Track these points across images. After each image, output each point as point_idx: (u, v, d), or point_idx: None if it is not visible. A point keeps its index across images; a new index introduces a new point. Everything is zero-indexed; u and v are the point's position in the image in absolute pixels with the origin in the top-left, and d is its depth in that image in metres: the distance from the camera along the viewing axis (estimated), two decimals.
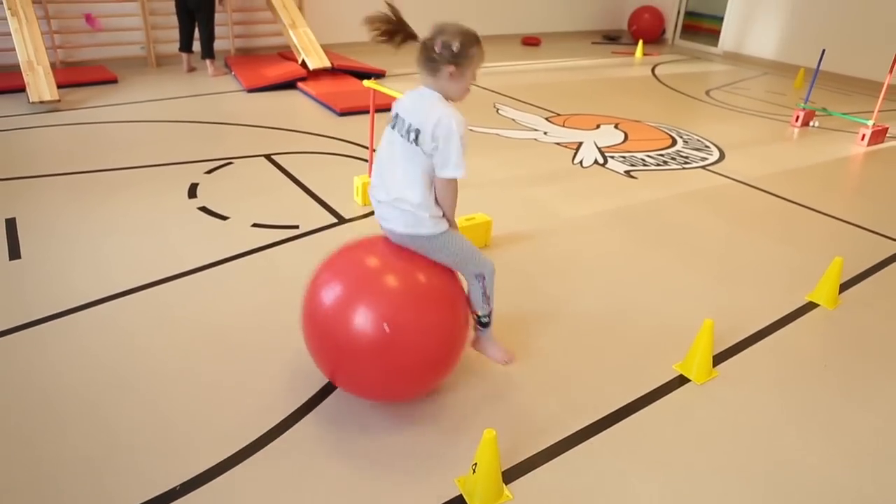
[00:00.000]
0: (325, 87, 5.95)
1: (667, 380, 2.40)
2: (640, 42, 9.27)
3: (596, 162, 4.64)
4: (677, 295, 3.00)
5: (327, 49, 6.89)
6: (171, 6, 6.59)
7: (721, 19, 9.46)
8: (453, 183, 1.93)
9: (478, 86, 6.72)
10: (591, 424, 2.15)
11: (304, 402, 2.18)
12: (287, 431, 2.05)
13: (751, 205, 4.12)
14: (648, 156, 4.84)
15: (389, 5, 1.93)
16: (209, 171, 4.09)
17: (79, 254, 3.06)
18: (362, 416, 2.14)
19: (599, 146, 4.97)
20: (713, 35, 9.69)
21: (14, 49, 5.44)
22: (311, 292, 2.03)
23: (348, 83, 6.17)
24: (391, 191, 1.95)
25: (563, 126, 5.47)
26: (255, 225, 3.41)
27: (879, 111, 5.58)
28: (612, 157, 4.74)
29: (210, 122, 5.14)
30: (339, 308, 1.91)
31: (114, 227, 3.33)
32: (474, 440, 1.84)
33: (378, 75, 6.75)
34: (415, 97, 1.95)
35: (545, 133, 5.24)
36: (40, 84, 5.25)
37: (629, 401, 2.27)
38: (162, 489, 1.81)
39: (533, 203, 3.89)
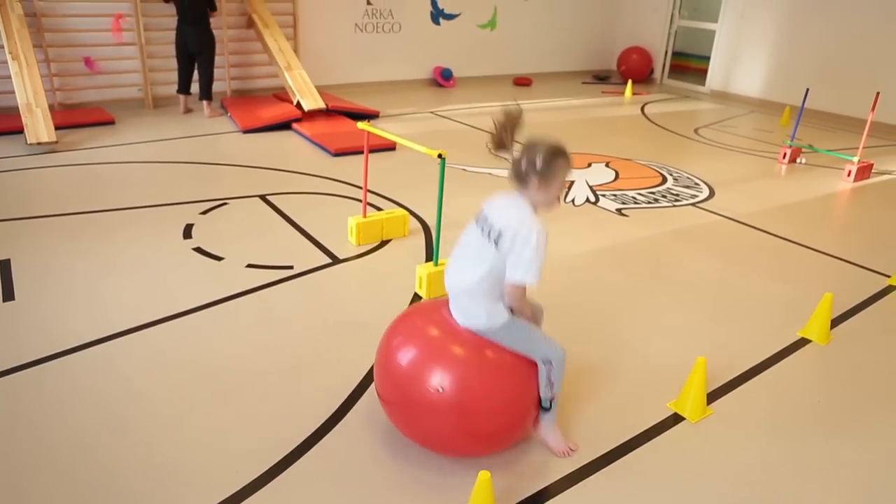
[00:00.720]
0: (320, 128, 6.03)
1: (661, 418, 2.41)
2: (630, 82, 9.46)
3: (588, 200, 4.70)
4: (670, 333, 3.01)
5: (322, 90, 7.01)
6: (168, 49, 6.72)
7: (708, 59, 9.69)
8: (521, 289, 1.98)
9: (470, 125, 6.83)
10: (587, 464, 2.14)
11: (297, 444, 2.17)
12: (281, 474, 2.04)
13: (741, 241, 4.17)
14: (639, 194, 4.91)
15: (503, 123, 2.07)
16: (204, 212, 4.12)
17: (73, 295, 3.07)
18: (358, 457, 2.13)
19: (591, 184, 5.04)
20: (700, 74, 9.90)
21: (14, 91, 5.52)
22: (388, 352, 2.10)
23: (343, 124, 6.26)
24: (458, 282, 2.05)
25: None
26: (249, 265, 3.43)
27: (864, 148, 5.70)
28: (603, 196, 4.80)
29: (206, 163, 5.20)
30: (413, 371, 2.00)
31: (109, 268, 3.34)
32: (469, 481, 1.83)
33: (372, 116, 6.86)
34: (506, 201, 2.05)
35: None
36: (38, 126, 5.31)
37: (624, 440, 2.27)
38: None
39: None
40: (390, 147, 5.48)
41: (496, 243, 1.95)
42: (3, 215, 3.96)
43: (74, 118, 6.09)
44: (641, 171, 5.52)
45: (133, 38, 6.65)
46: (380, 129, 3.61)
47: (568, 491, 2.03)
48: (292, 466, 2.08)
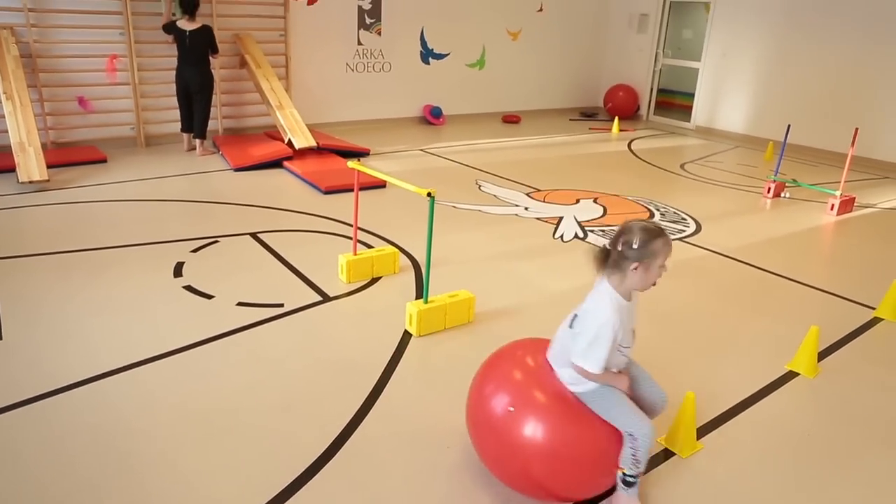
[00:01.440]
0: (311, 166, 6.09)
1: (652, 454, 2.40)
2: (616, 118, 9.64)
3: (576, 236, 4.75)
4: (659, 367, 3.01)
5: (313, 129, 7.10)
6: (161, 88, 6.82)
7: (692, 96, 9.90)
8: (584, 370, 1.97)
9: (460, 163, 6.92)
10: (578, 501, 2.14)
11: (287, 484, 2.16)
12: None
13: (728, 275, 4.22)
14: None
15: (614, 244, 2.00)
16: (195, 250, 4.14)
17: (62, 334, 3.06)
18: (349, 497, 2.11)
19: (579, 220, 5.10)
20: (686, 111, 10.11)
21: (7, 131, 5.56)
22: (481, 394, 2.14)
23: (333, 162, 6.33)
24: (554, 348, 2.13)
25: (544, 201, 5.62)
26: (239, 304, 3.43)
27: (845, 182, 5.81)
28: (591, 231, 4.86)
29: (197, 201, 5.22)
30: (500, 414, 2.04)
31: (99, 307, 3.34)
32: None
33: (362, 154, 6.94)
34: (596, 286, 2.06)
35: (526, 208, 5.37)
36: (30, 164, 5.34)
37: None
38: None
39: (516, 278, 3.96)
40: (381, 185, 5.53)
41: (570, 325, 2.05)
42: None
43: (67, 157, 6.13)
44: (629, 206, 5.59)
45: (127, 77, 6.74)
46: (370, 168, 3.66)
47: None
48: None
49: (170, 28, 6.35)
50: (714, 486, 2.26)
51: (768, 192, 6.15)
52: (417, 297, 3.50)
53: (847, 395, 2.88)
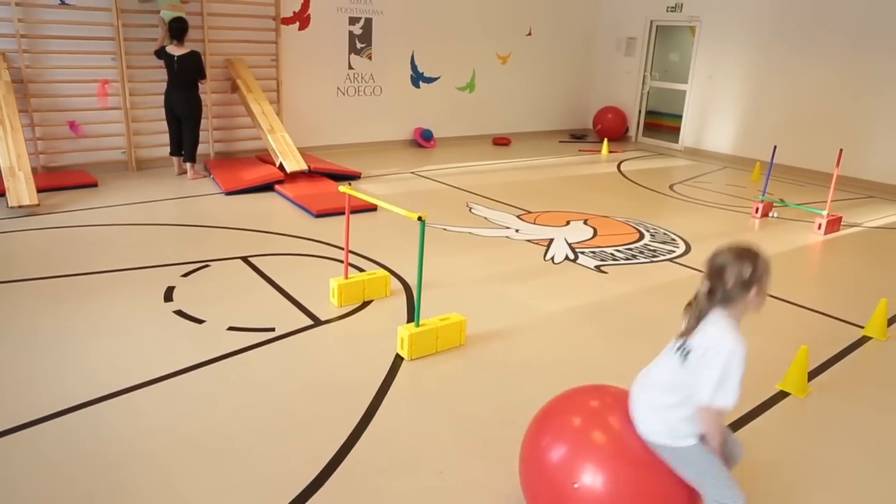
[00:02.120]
0: (302, 190, 6.11)
1: None
2: (606, 140, 9.74)
3: (567, 258, 4.77)
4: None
5: (304, 152, 7.13)
6: (152, 113, 6.83)
7: (680, 117, 10.03)
8: (713, 412, 1.82)
9: (450, 185, 6.96)
10: None
11: None
12: None
13: None
14: (617, 250, 5.00)
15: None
16: (186, 274, 4.13)
17: (50, 360, 3.03)
18: None
19: (570, 242, 5.12)
20: (674, 132, 10.23)
21: None
22: (539, 441, 1.98)
23: (325, 185, 6.35)
24: (646, 395, 1.95)
25: (534, 223, 5.65)
26: (230, 328, 3.42)
27: (832, 201, 5.88)
28: (582, 253, 4.88)
29: (188, 225, 5.22)
30: (564, 465, 1.89)
31: (88, 333, 3.31)
32: None
33: (354, 177, 6.97)
34: (708, 322, 1.88)
35: (517, 231, 5.40)
36: (20, 189, 5.33)
37: None
38: None
39: (507, 300, 3.97)
40: (372, 208, 5.55)
41: (685, 359, 1.85)
42: None
43: (57, 181, 6.12)
44: (619, 227, 5.63)
45: (118, 102, 6.76)
46: (361, 192, 3.68)
47: None
48: None
49: (160, 53, 6.40)
50: None
51: (756, 212, 6.22)
52: (409, 321, 3.50)
53: (838, 414, 2.90)
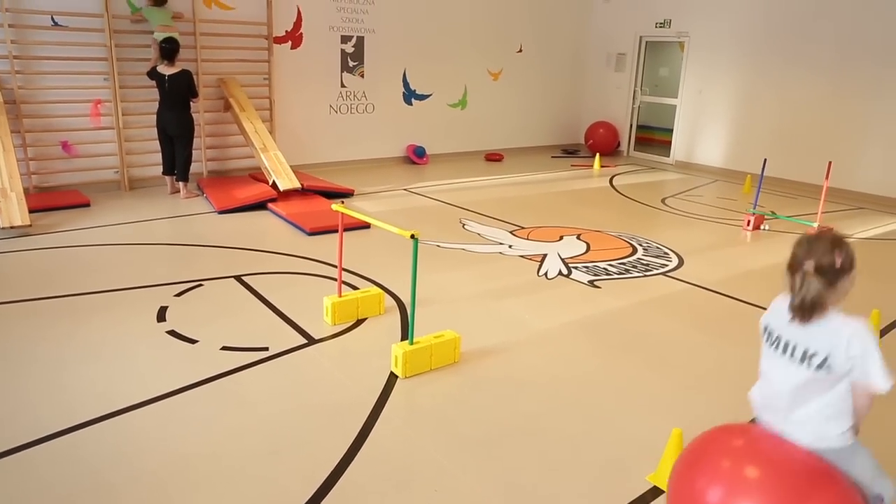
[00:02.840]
0: (295, 208, 6.11)
1: (641, 492, 2.40)
2: (597, 155, 9.80)
3: (560, 273, 4.78)
4: (646, 404, 3.03)
5: (298, 170, 7.14)
6: (146, 132, 6.84)
7: (671, 131, 10.11)
8: (871, 395, 1.77)
9: (443, 202, 6.98)
10: None
11: None
12: None
13: (712, 309, 4.26)
14: (611, 265, 5.01)
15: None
16: (179, 294, 4.11)
17: (42, 382, 3.01)
18: None
19: (563, 257, 5.14)
20: (665, 146, 10.31)
21: None
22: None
23: (318, 203, 6.35)
24: (799, 424, 1.83)
25: (528, 239, 5.66)
26: (224, 348, 3.40)
27: (822, 213, 5.93)
28: (575, 268, 4.89)
29: (180, 244, 5.21)
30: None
31: (81, 354, 3.29)
32: None
33: (347, 195, 6.99)
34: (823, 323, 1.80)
35: (510, 246, 5.41)
36: (12, 210, 5.31)
37: None
38: None
39: (501, 317, 3.97)
40: (365, 226, 5.56)
41: (821, 367, 1.76)
42: None
43: (49, 201, 6.11)
44: (612, 242, 5.65)
45: (111, 122, 6.77)
46: (354, 209, 3.68)
47: None
48: None
49: (151, 73, 6.42)
50: None
51: (748, 224, 6.26)
52: (403, 338, 3.49)
53: None
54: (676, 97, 9.94)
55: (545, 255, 5.16)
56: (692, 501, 1.82)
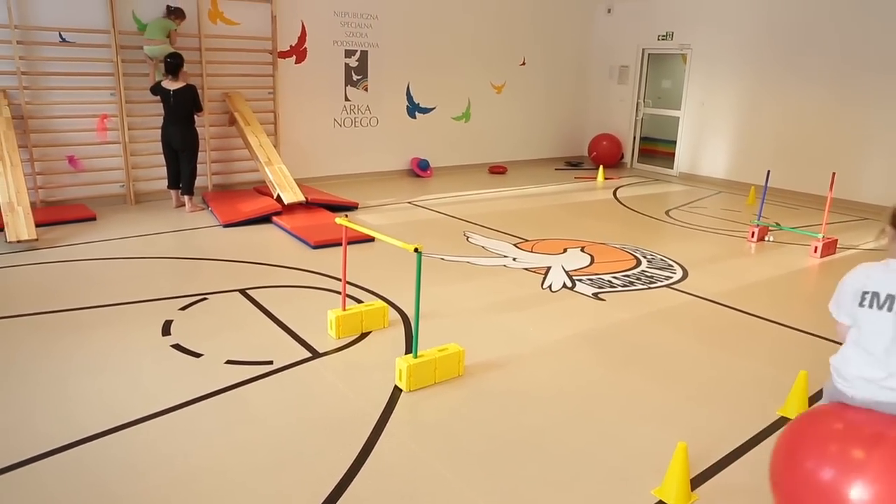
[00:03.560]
0: (300, 221, 6.13)
1: None
2: (601, 167, 9.81)
3: (564, 286, 4.78)
4: (650, 417, 3.02)
5: (302, 183, 7.18)
6: (152, 146, 6.90)
7: (674, 143, 10.13)
8: None
9: (447, 215, 6.99)
10: None
11: None
12: None
13: (716, 321, 4.25)
14: (615, 277, 5.01)
15: None
16: (183, 308, 4.12)
17: (47, 396, 3.01)
18: None
19: (567, 270, 5.14)
20: (669, 158, 10.32)
21: None
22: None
23: (322, 216, 6.37)
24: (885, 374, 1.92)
25: (532, 251, 5.67)
26: (228, 361, 3.41)
27: (827, 224, 5.92)
28: (579, 280, 4.89)
29: (185, 258, 5.23)
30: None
31: (86, 368, 3.30)
32: None
33: (351, 208, 7.01)
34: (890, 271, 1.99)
35: (514, 259, 5.41)
36: (19, 224, 5.35)
37: None
38: None
39: (505, 330, 3.97)
40: (369, 239, 5.57)
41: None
42: None
43: (56, 215, 6.14)
44: (616, 254, 5.65)
45: (117, 136, 6.83)
46: (358, 222, 3.70)
47: None
48: None
49: (156, 89, 6.48)
50: None
51: (752, 236, 6.25)
52: (407, 352, 3.49)
53: None
54: (679, 109, 9.97)
55: (549, 268, 5.16)
56: (804, 483, 1.85)
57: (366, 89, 8.66)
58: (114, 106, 6.74)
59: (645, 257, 5.57)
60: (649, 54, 10.41)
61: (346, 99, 8.53)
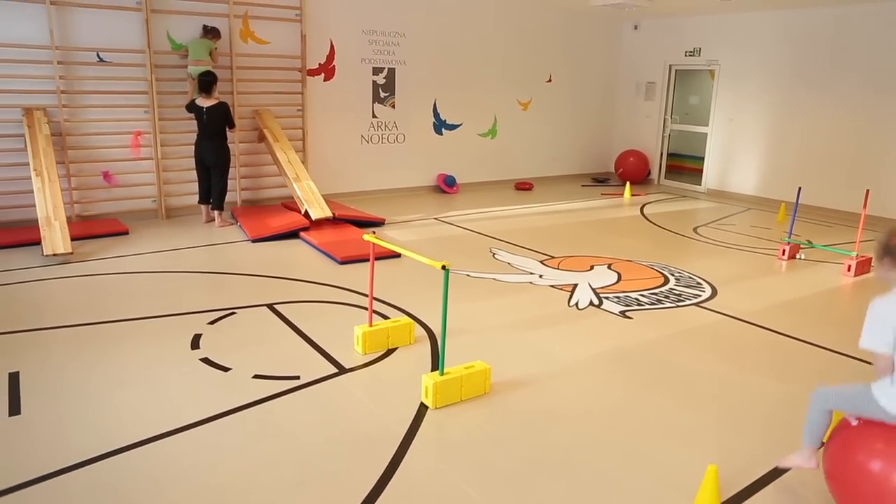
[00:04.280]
0: (327, 237, 6.19)
1: None
2: (628, 183, 9.75)
3: (591, 303, 4.74)
4: (679, 438, 2.97)
5: (329, 199, 7.25)
6: (182, 162, 7.05)
7: (702, 159, 10.03)
8: None
9: (474, 231, 7.00)
10: None
11: None
12: None
13: (746, 340, 4.17)
14: (642, 295, 4.96)
15: None
16: (212, 322, 4.18)
17: (79, 409, 3.07)
18: None
19: (594, 287, 5.10)
20: (696, 174, 10.22)
21: (34, 205, 5.75)
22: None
23: (349, 232, 6.43)
24: None
25: (558, 268, 5.64)
26: (256, 376, 3.44)
27: (860, 242, 5.80)
28: (606, 298, 4.85)
29: (215, 273, 5.31)
30: None
31: (115, 381, 3.36)
32: None
33: (378, 224, 7.06)
34: None
35: (540, 276, 5.39)
36: (55, 238, 5.49)
37: None
38: None
39: (531, 347, 3.95)
40: (396, 255, 5.60)
41: None
42: (14, 327, 4.02)
43: (90, 229, 6.29)
44: (643, 272, 5.60)
45: (150, 153, 6.98)
46: (385, 238, 3.72)
47: None
48: None
49: (190, 107, 6.63)
50: None
51: (783, 254, 6.14)
52: (433, 369, 3.49)
53: None
54: (707, 125, 9.88)
55: (576, 285, 5.13)
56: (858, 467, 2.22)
57: (393, 106, 8.75)
58: (147, 123, 6.90)
59: (673, 275, 5.50)
60: (676, 70, 10.36)
61: (374, 116, 8.62)
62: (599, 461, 2.77)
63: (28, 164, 6.03)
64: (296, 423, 3.01)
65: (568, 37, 10.30)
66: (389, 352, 3.78)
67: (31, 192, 5.88)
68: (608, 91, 11.08)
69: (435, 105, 9.17)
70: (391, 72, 8.63)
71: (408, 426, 2.99)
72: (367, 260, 3.74)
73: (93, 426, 2.93)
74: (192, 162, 6.83)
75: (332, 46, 8.06)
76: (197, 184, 6.88)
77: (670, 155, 10.77)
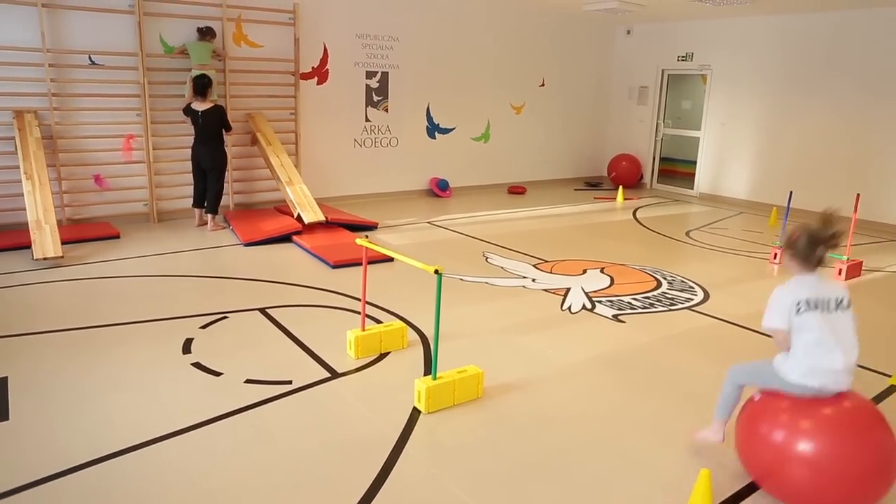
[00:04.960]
0: (320, 241, 6.17)
1: None
2: (621, 187, 9.78)
3: (584, 307, 4.75)
4: (672, 443, 2.98)
5: (322, 203, 7.24)
6: (174, 166, 7.02)
7: (695, 163, 10.08)
8: None
9: (467, 235, 7.00)
10: None
11: None
12: None
13: (738, 344, 4.19)
14: (635, 299, 4.97)
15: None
16: (204, 326, 4.16)
17: (68, 414, 3.04)
18: None
19: (587, 291, 5.11)
20: (689, 178, 10.27)
21: (25, 208, 5.71)
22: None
23: (342, 236, 6.41)
24: (851, 358, 2.46)
25: (551, 272, 5.65)
26: (248, 381, 3.42)
27: (851, 246, 5.83)
28: (599, 302, 4.86)
29: (206, 276, 5.28)
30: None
31: (106, 386, 3.33)
32: None
33: (371, 228, 7.05)
34: (816, 281, 2.51)
35: (533, 280, 5.39)
36: (45, 241, 5.45)
37: None
38: None
39: (524, 352, 3.95)
40: (389, 259, 5.59)
41: (849, 307, 2.47)
42: (4, 331, 3.98)
43: (81, 233, 6.25)
44: (636, 275, 5.61)
45: (142, 156, 6.95)
46: (378, 242, 3.72)
47: None
48: None
49: (186, 110, 6.61)
50: None
51: (775, 257, 6.17)
52: (426, 373, 3.49)
53: None
54: (700, 129, 9.93)
55: (569, 289, 5.13)
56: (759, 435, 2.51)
57: (386, 110, 8.75)
58: (139, 126, 6.87)
59: (665, 279, 5.52)
60: (669, 75, 10.41)
61: (367, 119, 8.62)
62: (592, 465, 2.77)
63: (18, 166, 5.99)
64: (288, 428, 2.99)
65: (561, 41, 10.34)
66: (382, 356, 3.77)
67: (22, 195, 5.84)
68: (601, 95, 11.12)
69: (428, 109, 9.18)
70: (384, 76, 8.63)
71: (400, 431, 2.98)
72: (360, 264, 3.74)
73: (83, 431, 2.91)
74: (184, 165, 6.80)
75: (325, 50, 8.05)
76: (192, 187, 6.84)
77: (663, 159, 10.81)
